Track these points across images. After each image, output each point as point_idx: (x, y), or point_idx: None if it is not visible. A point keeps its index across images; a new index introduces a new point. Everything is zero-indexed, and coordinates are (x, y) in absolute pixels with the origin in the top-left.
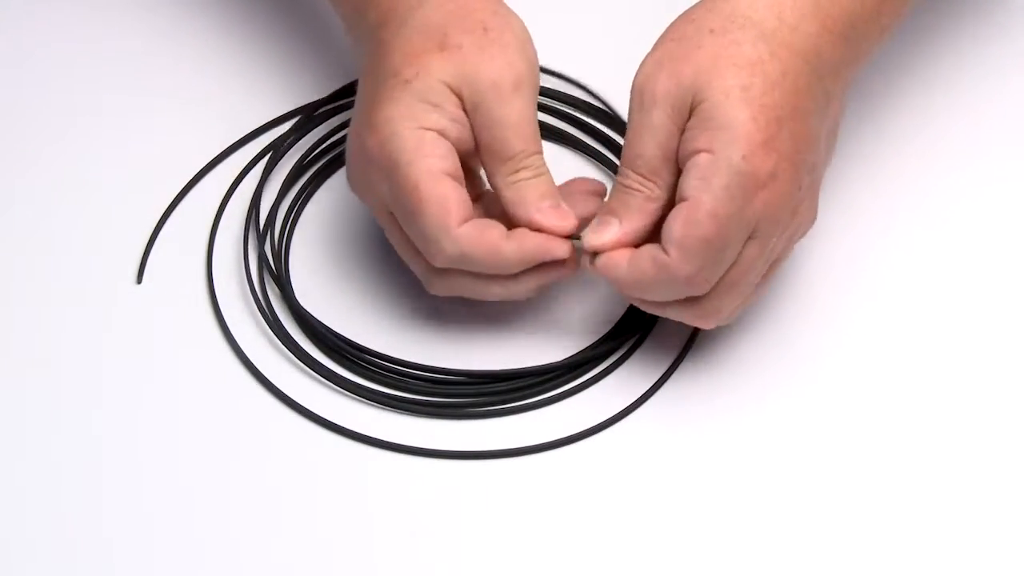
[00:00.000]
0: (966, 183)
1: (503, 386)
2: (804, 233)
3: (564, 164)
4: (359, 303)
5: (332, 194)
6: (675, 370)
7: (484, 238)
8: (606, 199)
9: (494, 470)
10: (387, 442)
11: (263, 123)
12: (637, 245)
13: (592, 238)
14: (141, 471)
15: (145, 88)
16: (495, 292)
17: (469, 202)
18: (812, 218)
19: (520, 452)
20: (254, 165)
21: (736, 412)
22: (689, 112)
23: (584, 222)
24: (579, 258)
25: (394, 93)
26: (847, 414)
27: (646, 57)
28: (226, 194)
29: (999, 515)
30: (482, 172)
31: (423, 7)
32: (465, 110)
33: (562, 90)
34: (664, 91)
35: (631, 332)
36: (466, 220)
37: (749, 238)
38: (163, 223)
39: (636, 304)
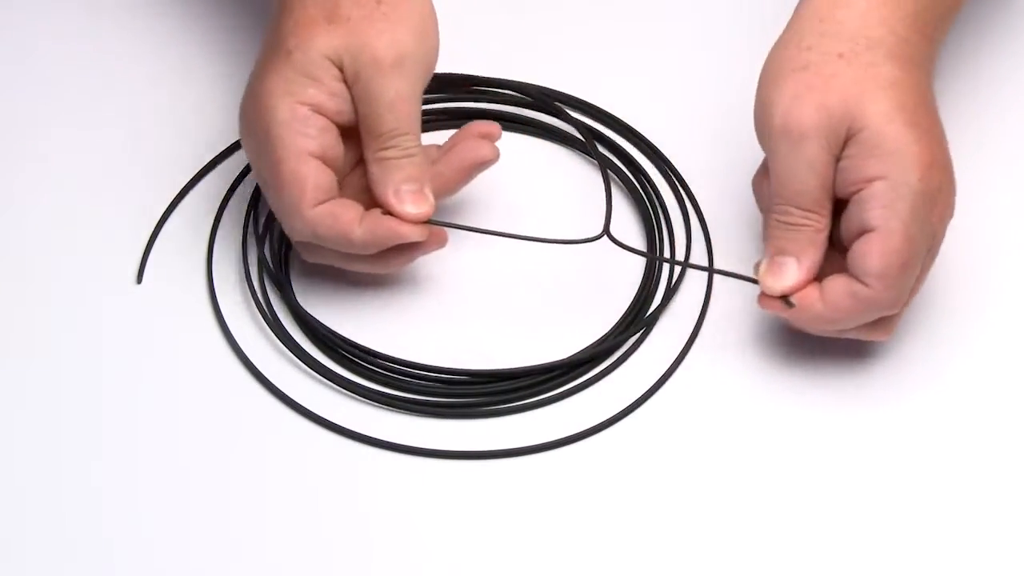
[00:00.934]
0: (965, 183)
1: (503, 386)
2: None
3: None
4: (359, 302)
5: None
6: (675, 370)
7: (336, 221)
8: (766, 239)
9: (494, 470)
10: (387, 442)
11: None
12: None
13: (774, 283)
14: (141, 471)
15: (145, 87)
16: (359, 267)
17: (330, 183)
18: (954, 199)
19: (520, 452)
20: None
21: (737, 411)
22: (844, 138)
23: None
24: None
25: (276, 64)
26: (848, 414)
27: (771, 92)
28: (226, 194)
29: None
30: None
31: None
32: (347, 83)
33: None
34: (814, 124)
35: (631, 332)
36: (321, 201)
37: (928, 247)
38: (163, 223)
39: (810, 331)
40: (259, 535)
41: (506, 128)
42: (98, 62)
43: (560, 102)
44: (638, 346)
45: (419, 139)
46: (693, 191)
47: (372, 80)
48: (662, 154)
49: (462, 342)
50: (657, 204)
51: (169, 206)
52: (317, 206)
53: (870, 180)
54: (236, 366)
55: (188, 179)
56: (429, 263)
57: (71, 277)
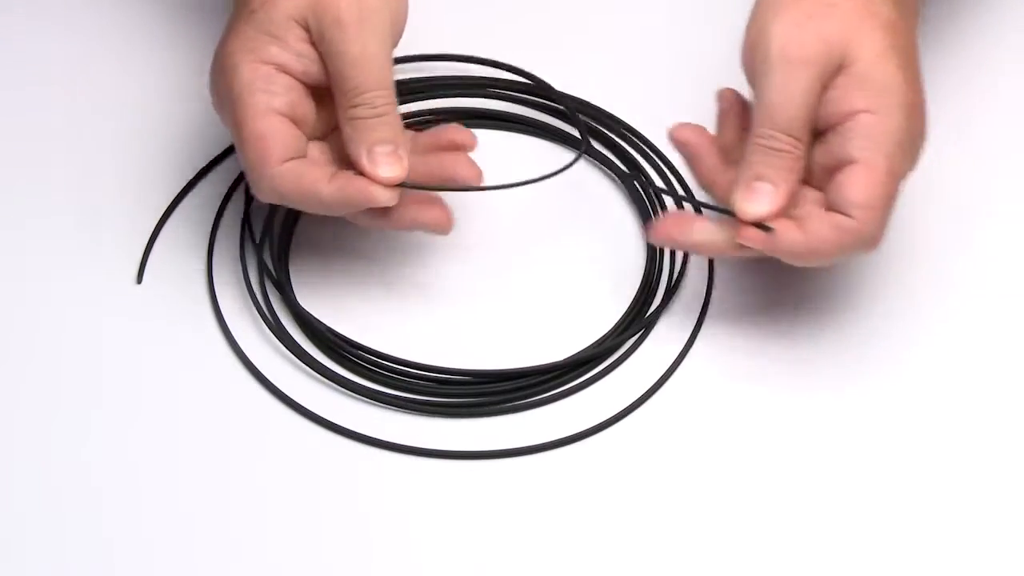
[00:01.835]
0: (965, 181)
1: (503, 386)
2: None
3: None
4: (358, 303)
5: None
6: (675, 370)
7: (301, 180)
8: (748, 161)
9: (494, 470)
10: (387, 442)
11: None
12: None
13: (750, 206)
14: (141, 471)
15: (145, 87)
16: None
17: (297, 141)
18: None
19: (521, 452)
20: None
21: (738, 411)
22: (835, 71)
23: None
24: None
25: (240, 24)
26: (849, 414)
27: (769, 19)
28: (226, 193)
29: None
30: None
31: None
32: (313, 44)
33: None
34: (815, 53)
35: (631, 332)
36: (287, 159)
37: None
38: (163, 223)
39: (792, 262)
40: (259, 535)
41: (497, 126)
42: (98, 62)
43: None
44: (638, 346)
45: (392, 98)
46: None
47: (335, 38)
48: (655, 147)
49: (462, 342)
50: (652, 193)
51: (169, 206)
52: (282, 164)
53: (856, 113)
54: (236, 366)
55: (188, 179)
56: (429, 262)
57: (71, 277)
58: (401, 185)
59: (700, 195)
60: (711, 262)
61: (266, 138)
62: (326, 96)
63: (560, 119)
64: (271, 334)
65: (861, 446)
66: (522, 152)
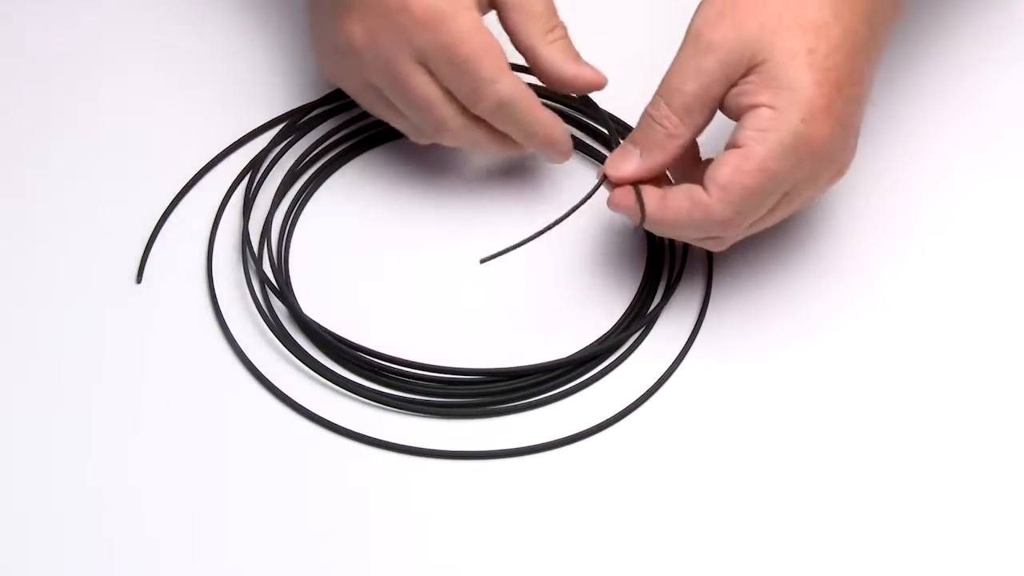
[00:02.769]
0: (967, 180)
1: (504, 385)
2: (829, 186)
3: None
4: (359, 303)
5: (331, 194)
6: (677, 367)
7: (524, 87)
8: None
9: (496, 470)
10: (388, 442)
11: (264, 122)
12: (651, 181)
13: (611, 168)
14: (141, 471)
15: (144, 87)
16: (498, 150)
17: None
18: (845, 171)
19: (521, 452)
20: (253, 165)
21: (741, 405)
22: (745, 66)
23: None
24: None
25: None
26: (852, 414)
27: (704, 1)
28: (226, 193)
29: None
30: None
31: None
32: None
33: None
34: (722, 39)
35: (633, 329)
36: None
37: (786, 193)
38: (163, 223)
39: (652, 231)
40: (259, 535)
41: None
42: (97, 61)
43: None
44: (640, 343)
45: None
46: None
47: None
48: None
49: (463, 341)
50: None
51: (169, 205)
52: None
53: (758, 106)
54: (236, 366)
55: (189, 178)
56: (429, 262)
57: (71, 277)
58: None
59: None
60: (710, 255)
61: (497, 48)
62: None
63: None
64: (271, 334)
65: (865, 443)
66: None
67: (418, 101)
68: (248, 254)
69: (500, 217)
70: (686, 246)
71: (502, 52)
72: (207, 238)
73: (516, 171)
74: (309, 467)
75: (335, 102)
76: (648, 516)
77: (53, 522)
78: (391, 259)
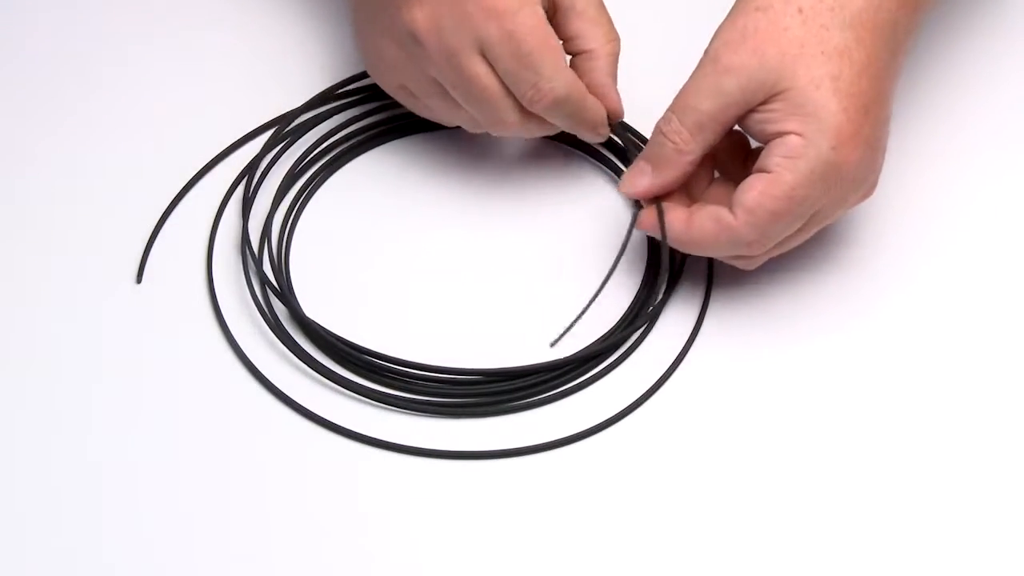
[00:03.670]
0: (967, 181)
1: (507, 385)
2: (858, 203)
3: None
4: (359, 304)
5: (331, 193)
6: (679, 365)
7: (577, 79)
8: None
9: (497, 470)
10: (388, 442)
11: (262, 123)
12: (664, 197)
13: (625, 186)
14: (141, 471)
15: (144, 85)
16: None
17: None
18: (873, 191)
19: (523, 452)
20: (252, 166)
21: (742, 407)
22: (766, 92)
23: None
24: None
25: None
26: (856, 410)
27: (726, 20)
28: (226, 193)
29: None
30: None
31: None
32: None
33: None
34: (742, 64)
35: (636, 326)
36: None
37: (813, 215)
38: (163, 223)
39: (679, 250)
40: (259, 535)
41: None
42: (95, 60)
43: None
44: (642, 341)
45: None
46: None
47: None
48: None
49: (464, 341)
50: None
51: (169, 205)
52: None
53: (786, 133)
54: (236, 366)
55: (189, 178)
56: (429, 263)
57: (70, 277)
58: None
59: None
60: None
61: (556, 45)
62: None
63: None
64: (271, 334)
65: (868, 441)
66: (511, 152)
67: (477, 92)
68: (248, 254)
69: (502, 217)
70: None
71: (562, 50)
72: (207, 238)
73: (518, 171)
74: (309, 466)
75: (328, 104)
76: (651, 515)
77: (53, 521)
78: (391, 258)
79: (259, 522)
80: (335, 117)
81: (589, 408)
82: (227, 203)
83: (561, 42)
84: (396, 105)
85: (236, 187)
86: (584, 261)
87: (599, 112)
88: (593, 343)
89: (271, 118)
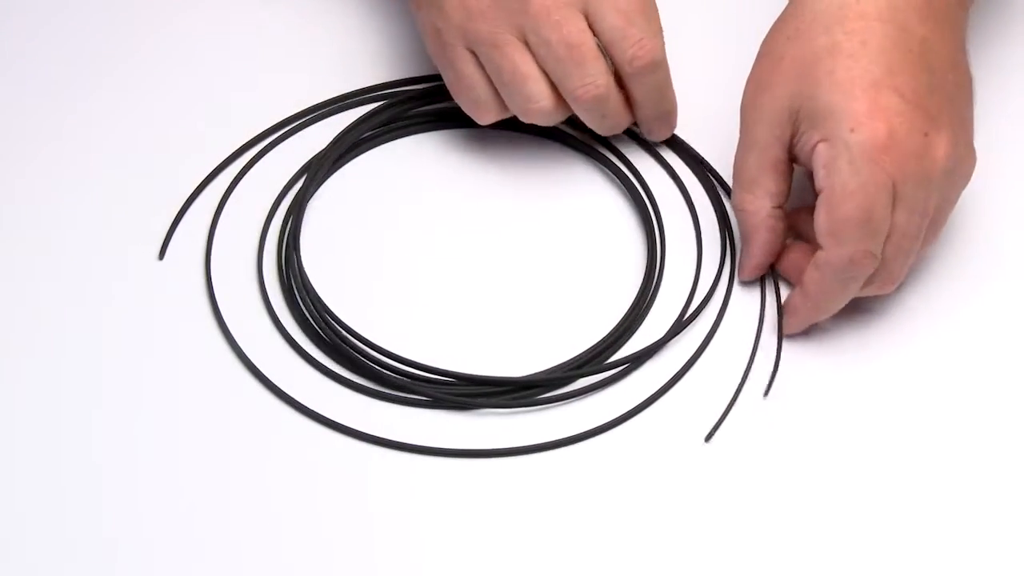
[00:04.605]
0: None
1: (521, 395)
2: (964, 177)
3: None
4: (358, 302)
5: (333, 193)
6: (688, 370)
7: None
8: None
9: (499, 470)
10: (389, 440)
11: (263, 129)
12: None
13: (740, 273)
14: (141, 471)
15: (145, 87)
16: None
17: None
18: (966, 165)
19: (522, 452)
20: (249, 169)
21: (741, 409)
22: (793, 121)
23: None
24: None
25: None
26: (861, 414)
27: (748, 78)
28: (225, 193)
29: None
30: None
31: None
32: None
33: None
34: (763, 108)
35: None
36: None
37: (895, 205)
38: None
39: (816, 318)
40: (259, 534)
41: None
42: (99, 59)
43: None
44: (664, 345)
45: None
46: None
47: None
48: (700, 157)
49: (464, 341)
50: (654, 204)
51: (180, 209)
52: None
53: (815, 147)
54: (236, 366)
55: (189, 178)
56: (430, 263)
57: (71, 277)
58: None
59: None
60: (700, 255)
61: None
62: None
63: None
64: (271, 333)
65: (871, 446)
66: (512, 152)
67: (567, 48)
68: (285, 229)
69: (503, 217)
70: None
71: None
72: (207, 238)
73: (518, 171)
74: (309, 465)
75: (316, 112)
76: (652, 514)
77: (53, 520)
78: (391, 259)
79: (258, 520)
80: (336, 117)
81: (591, 407)
82: (226, 202)
83: None
84: (395, 106)
85: (235, 186)
86: (584, 261)
87: (626, 118)
88: (596, 342)
89: (270, 123)
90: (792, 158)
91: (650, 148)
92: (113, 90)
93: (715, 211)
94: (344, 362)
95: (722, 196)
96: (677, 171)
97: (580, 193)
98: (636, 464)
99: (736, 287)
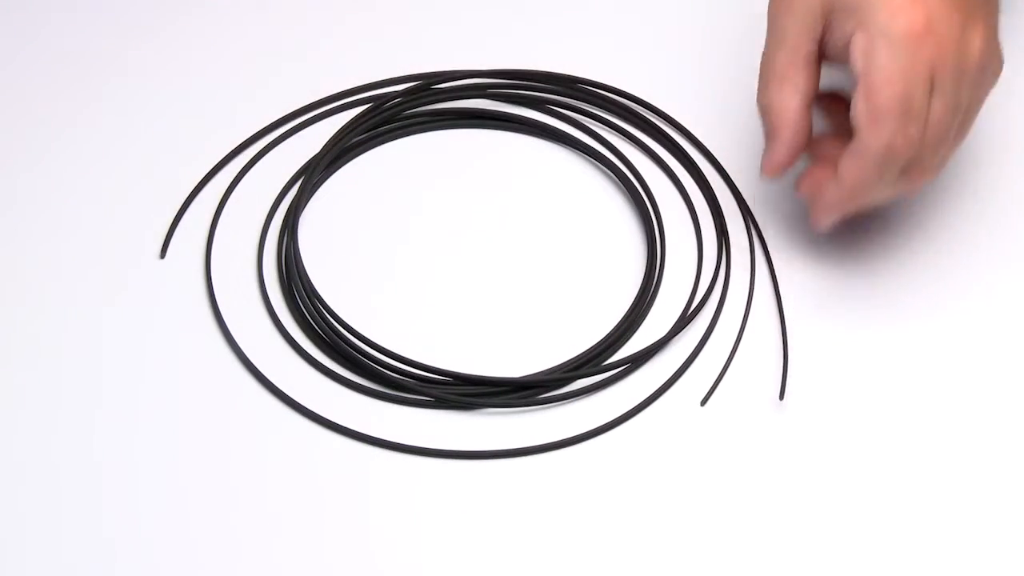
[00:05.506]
0: (965, 184)
1: (521, 394)
2: (994, 76)
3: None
4: (358, 303)
5: (332, 193)
6: (686, 370)
7: None
8: None
9: (497, 470)
10: (389, 441)
11: (260, 128)
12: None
13: (764, 169)
14: (141, 471)
15: (146, 87)
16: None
17: None
18: (996, 64)
19: (522, 452)
20: (249, 168)
21: (742, 409)
22: (824, 15)
23: None
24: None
25: None
26: (862, 414)
27: None
28: (225, 192)
29: None
30: None
31: None
32: None
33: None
34: (795, 2)
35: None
36: None
37: (932, 93)
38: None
39: (851, 207)
40: (259, 535)
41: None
42: (97, 61)
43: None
44: (665, 345)
45: None
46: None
47: None
48: (706, 148)
49: (461, 342)
50: (654, 204)
51: (178, 210)
52: None
53: (849, 36)
54: (236, 366)
55: (190, 178)
56: (430, 264)
57: (71, 276)
58: None
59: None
60: (700, 255)
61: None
62: None
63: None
64: (271, 333)
65: (872, 447)
66: (512, 152)
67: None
68: (286, 232)
69: (504, 217)
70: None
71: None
72: (206, 238)
73: (518, 171)
74: (309, 466)
75: (317, 110)
76: (654, 514)
77: (52, 521)
78: (391, 258)
79: (258, 521)
80: (336, 116)
81: (593, 407)
82: (225, 202)
83: None
84: (395, 105)
85: (235, 186)
86: (584, 261)
87: None
88: (596, 343)
89: (268, 122)
90: (822, 54)
91: (649, 148)
92: (112, 91)
93: (712, 213)
94: (344, 362)
95: (720, 197)
96: (677, 172)
97: (580, 193)
98: (636, 464)
99: (735, 287)
